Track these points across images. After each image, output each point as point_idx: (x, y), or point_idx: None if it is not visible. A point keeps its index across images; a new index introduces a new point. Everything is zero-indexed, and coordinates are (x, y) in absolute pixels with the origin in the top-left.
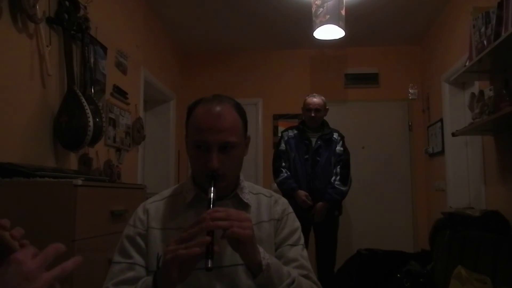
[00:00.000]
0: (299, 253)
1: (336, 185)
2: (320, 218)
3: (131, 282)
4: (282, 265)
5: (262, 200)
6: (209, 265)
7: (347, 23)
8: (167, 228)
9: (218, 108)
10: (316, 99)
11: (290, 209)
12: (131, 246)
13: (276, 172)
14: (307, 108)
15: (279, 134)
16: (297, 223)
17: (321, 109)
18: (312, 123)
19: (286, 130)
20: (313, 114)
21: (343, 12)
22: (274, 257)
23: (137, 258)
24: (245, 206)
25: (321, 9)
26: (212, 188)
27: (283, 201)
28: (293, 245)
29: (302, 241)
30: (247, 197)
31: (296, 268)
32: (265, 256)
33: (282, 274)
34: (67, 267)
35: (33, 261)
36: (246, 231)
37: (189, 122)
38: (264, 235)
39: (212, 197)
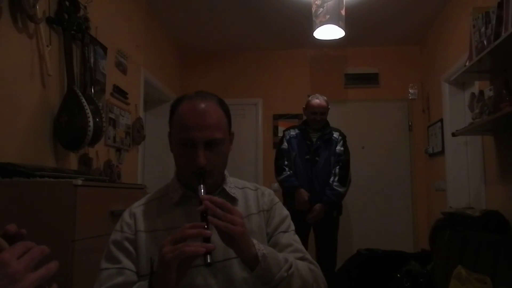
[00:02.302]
0: (292, 238)
1: (334, 186)
2: (316, 219)
3: (121, 287)
4: (277, 252)
5: (249, 193)
6: (209, 261)
7: (347, 23)
8: (156, 230)
9: (202, 105)
10: (321, 102)
11: (277, 199)
12: (118, 251)
13: (279, 170)
14: (312, 111)
15: (279, 134)
16: (286, 211)
17: (326, 112)
18: (316, 125)
19: (288, 129)
20: (318, 118)
21: (343, 12)
22: (268, 247)
23: (126, 263)
24: (232, 200)
25: (321, 9)
26: (202, 185)
27: (269, 192)
28: (285, 231)
29: (292, 227)
30: (233, 191)
31: (291, 253)
32: (260, 247)
33: (279, 262)
34: (51, 268)
35: (19, 262)
36: (237, 227)
37: (173, 120)
38: (255, 227)
39: (203, 194)
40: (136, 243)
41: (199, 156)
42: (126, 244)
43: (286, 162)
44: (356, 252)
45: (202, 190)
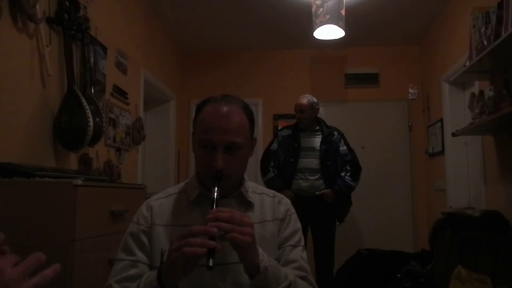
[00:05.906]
0: (300, 254)
1: (346, 180)
2: (326, 199)
3: (134, 279)
4: (280, 267)
5: (266, 200)
6: (210, 264)
7: (347, 23)
8: (171, 225)
9: (225, 108)
10: (300, 100)
11: (293, 210)
12: (134, 243)
13: (264, 171)
14: (294, 109)
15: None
16: (299, 224)
17: (305, 110)
18: (301, 123)
19: (282, 129)
20: (298, 116)
21: (343, 12)
22: (273, 259)
23: (140, 256)
24: (249, 205)
25: (321, 9)
26: (216, 188)
27: (286, 201)
28: (294, 246)
29: (302, 242)
30: (250, 196)
31: (295, 269)
32: (264, 258)
33: (279, 277)
34: (47, 275)
35: (14, 269)
36: (245, 237)
37: (197, 121)
38: (268, 234)
39: (215, 197)
40: (151, 235)
41: (217, 158)
42: (142, 236)
43: (272, 163)
44: (356, 252)
45: (216, 193)
